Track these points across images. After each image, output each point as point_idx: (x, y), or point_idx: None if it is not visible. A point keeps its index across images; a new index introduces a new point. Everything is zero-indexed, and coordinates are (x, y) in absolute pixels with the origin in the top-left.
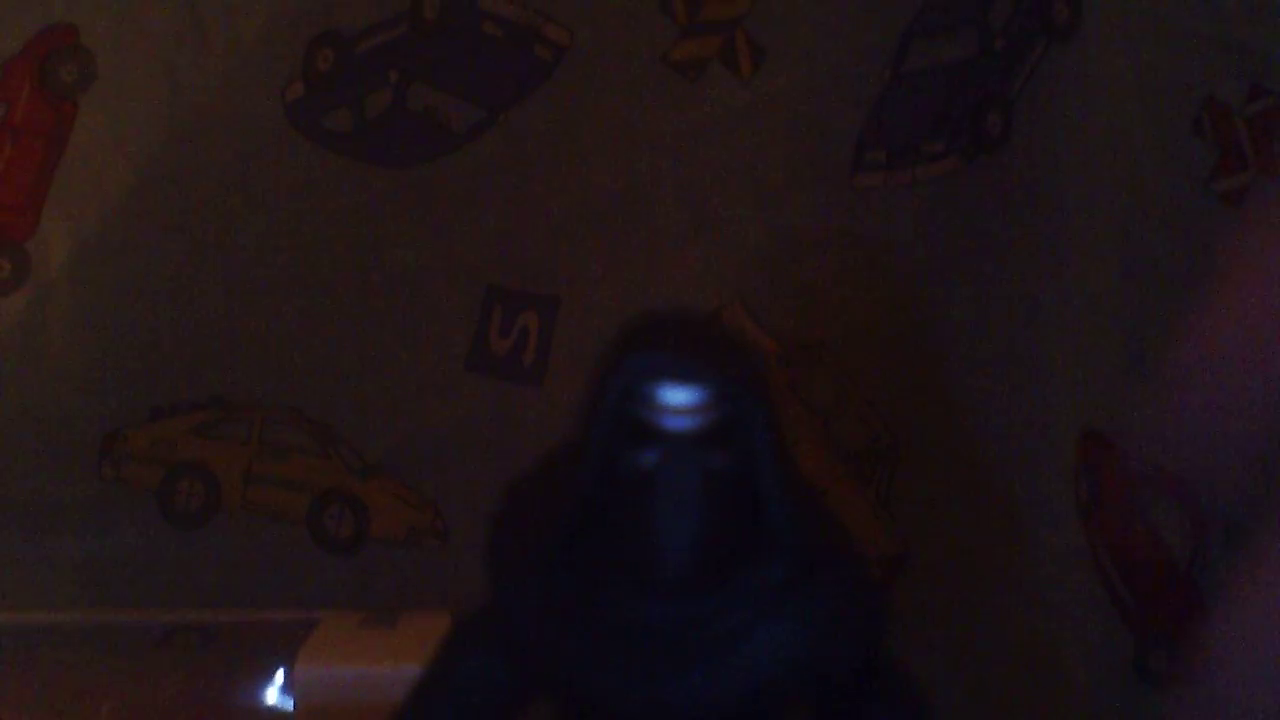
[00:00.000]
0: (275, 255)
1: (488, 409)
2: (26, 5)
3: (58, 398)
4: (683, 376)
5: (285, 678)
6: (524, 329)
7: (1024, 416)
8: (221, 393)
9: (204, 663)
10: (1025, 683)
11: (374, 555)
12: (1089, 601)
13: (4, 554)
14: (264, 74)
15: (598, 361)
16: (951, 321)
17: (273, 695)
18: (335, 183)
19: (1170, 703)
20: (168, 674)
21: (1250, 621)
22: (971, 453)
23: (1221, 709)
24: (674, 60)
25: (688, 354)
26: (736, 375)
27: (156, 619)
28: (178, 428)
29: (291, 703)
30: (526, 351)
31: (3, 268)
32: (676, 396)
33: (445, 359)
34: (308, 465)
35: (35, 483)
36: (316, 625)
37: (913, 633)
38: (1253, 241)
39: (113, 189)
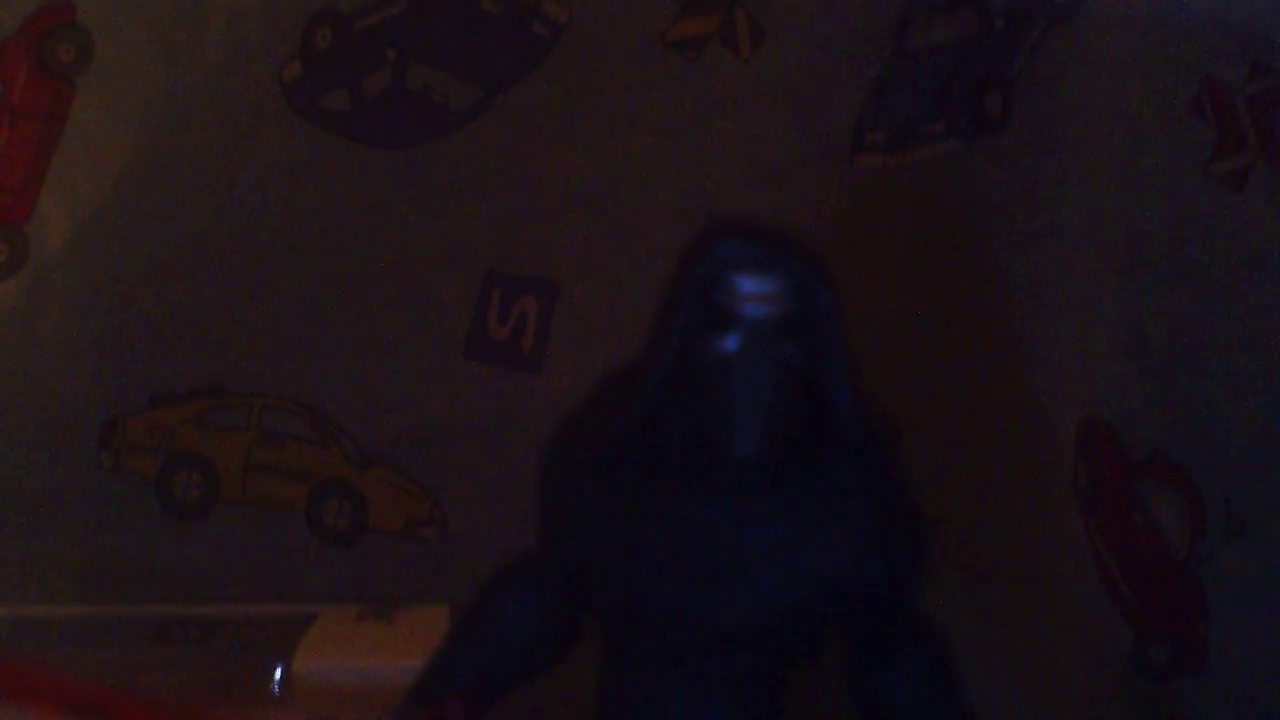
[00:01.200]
0: (273, 238)
1: (486, 395)
2: None
3: (55, 384)
4: (764, 266)
5: (283, 671)
6: (523, 314)
7: (1023, 402)
8: (220, 381)
9: (202, 656)
10: (1021, 673)
11: (372, 546)
12: (1086, 592)
13: (0, 545)
14: (262, 53)
15: (675, 259)
16: (950, 304)
17: (271, 689)
18: (333, 163)
19: (1168, 696)
20: (166, 667)
21: (1252, 612)
22: (971, 439)
23: (1223, 701)
24: (673, 39)
25: (766, 247)
26: (811, 271)
27: (154, 612)
28: (177, 416)
29: (290, 697)
30: (525, 337)
31: (0, 251)
32: (758, 285)
33: (444, 345)
34: (306, 454)
35: (32, 471)
36: (315, 619)
37: None
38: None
39: (111, 170)
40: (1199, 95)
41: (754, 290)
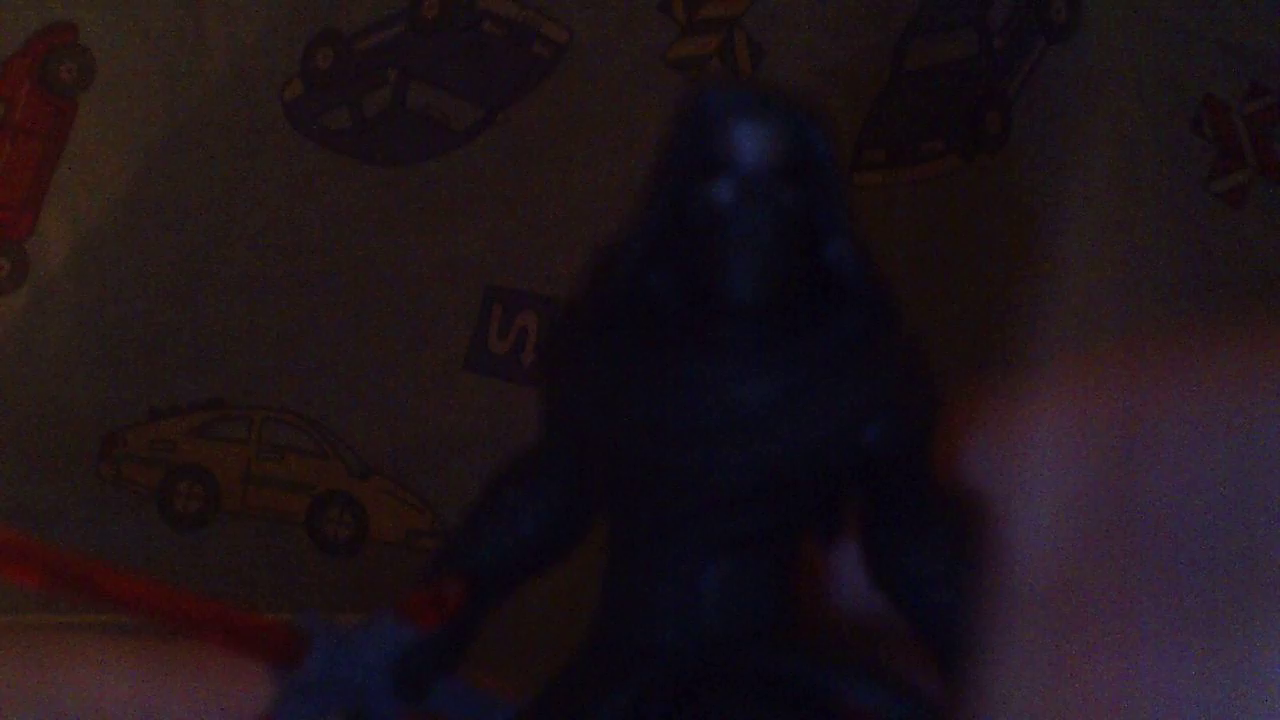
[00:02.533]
0: (274, 254)
1: (487, 409)
2: (25, 3)
3: (56, 397)
4: (757, 112)
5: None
6: (523, 329)
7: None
8: (221, 393)
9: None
10: None
11: (372, 557)
12: None
13: None
14: (263, 73)
15: (673, 104)
16: (950, 321)
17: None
18: (334, 181)
19: None
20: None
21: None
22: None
23: None
24: (673, 59)
25: (761, 93)
26: (806, 117)
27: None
28: (177, 428)
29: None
30: (526, 352)
31: (1, 267)
32: (751, 131)
33: (444, 359)
34: (307, 466)
35: (33, 483)
36: None
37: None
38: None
39: (112, 188)
40: (1198, 113)
41: (747, 137)
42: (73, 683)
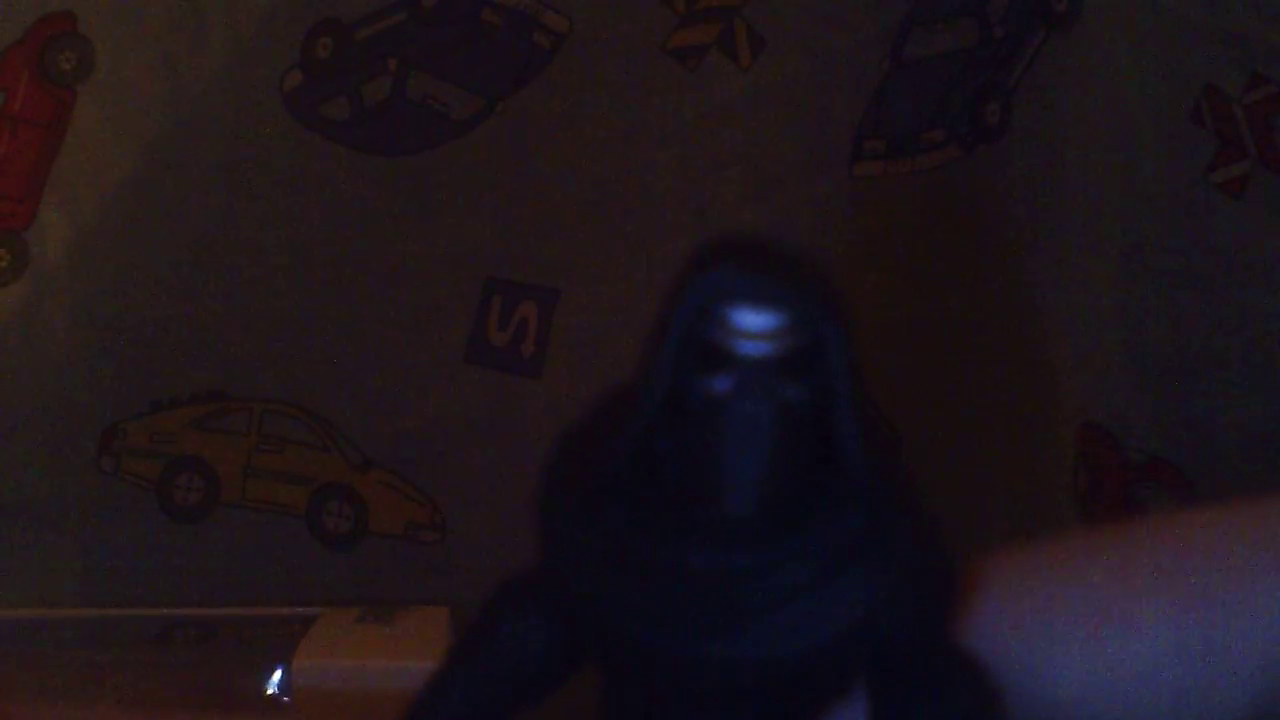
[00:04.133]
0: (274, 245)
1: (487, 401)
2: None
3: (56, 390)
4: (760, 299)
5: (283, 673)
6: (523, 320)
7: (1023, 407)
8: (221, 385)
9: (203, 658)
10: None
11: (372, 549)
12: None
13: (1, 548)
14: (262, 62)
15: (669, 283)
16: (951, 312)
17: (271, 691)
18: (333, 171)
19: None
20: (167, 669)
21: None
22: (972, 443)
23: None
24: (672, 48)
25: (766, 276)
26: (816, 302)
27: (156, 614)
28: (177, 421)
29: (289, 699)
30: (525, 343)
31: (1, 258)
32: (753, 320)
33: (444, 351)
34: (307, 458)
35: (33, 476)
36: (315, 621)
37: None
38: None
39: (111, 178)
40: (1198, 104)
41: (749, 326)
42: None
